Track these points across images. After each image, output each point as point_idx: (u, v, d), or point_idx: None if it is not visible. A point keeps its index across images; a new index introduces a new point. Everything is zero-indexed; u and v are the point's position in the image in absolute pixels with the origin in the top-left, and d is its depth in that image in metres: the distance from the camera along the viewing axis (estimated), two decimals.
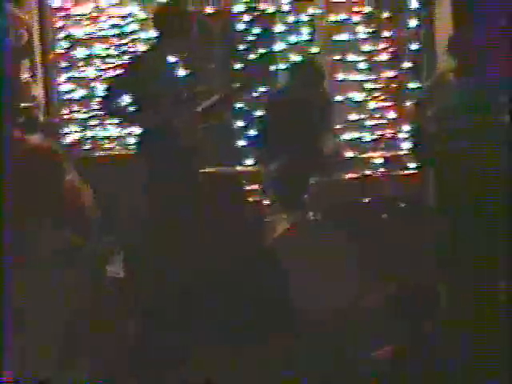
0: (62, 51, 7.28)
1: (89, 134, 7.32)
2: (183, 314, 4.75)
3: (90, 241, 3.82)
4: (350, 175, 6.13)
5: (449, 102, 5.24)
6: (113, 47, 7.29)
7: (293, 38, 7.07)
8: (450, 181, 5.25)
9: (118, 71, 6.31)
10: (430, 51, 6.96)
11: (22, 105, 6.27)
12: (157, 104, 5.43)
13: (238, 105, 7.11)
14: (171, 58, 5.54)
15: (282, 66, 7.02)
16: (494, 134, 5.08)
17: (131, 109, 5.61)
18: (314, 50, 7.08)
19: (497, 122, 5.11)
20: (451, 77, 5.35)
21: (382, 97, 7.15)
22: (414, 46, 7.04)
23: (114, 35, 7.27)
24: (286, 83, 6.67)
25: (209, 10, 7.12)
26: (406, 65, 7.07)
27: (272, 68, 7.13)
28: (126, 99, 5.74)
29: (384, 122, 7.16)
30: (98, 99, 6.74)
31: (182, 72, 5.66)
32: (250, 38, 7.19)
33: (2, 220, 3.31)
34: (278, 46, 7.10)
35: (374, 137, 7.15)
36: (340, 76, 7.12)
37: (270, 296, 4.79)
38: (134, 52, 7.01)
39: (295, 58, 6.97)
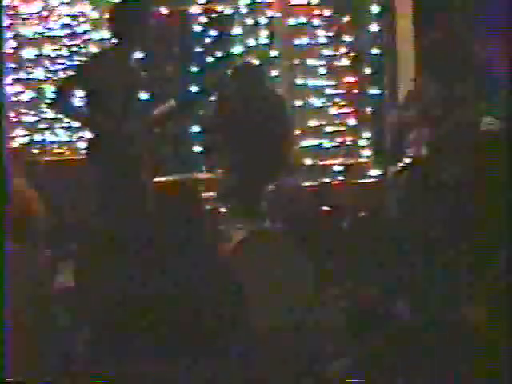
0: (10, 51, 7.19)
1: (37, 137, 7.31)
2: (131, 327, 4.50)
3: (37, 249, 3.73)
4: (308, 183, 6.18)
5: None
6: (63, 48, 7.28)
7: (251, 41, 7.10)
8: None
9: (70, 72, 6.28)
10: (391, 56, 7.07)
11: None
12: (108, 108, 5.40)
13: (194, 110, 7.07)
14: (126, 60, 5.49)
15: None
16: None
17: (84, 111, 5.58)
18: (273, 53, 7.10)
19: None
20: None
21: (343, 102, 7.20)
22: (374, 51, 7.12)
23: (64, 35, 7.25)
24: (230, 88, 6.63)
25: (164, 10, 7.17)
26: (367, 70, 7.15)
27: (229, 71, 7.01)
28: (77, 101, 5.71)
29: (344, 128, 7.20)
30: (47, 101, 6.73)
31: (136, 75, 5.60)
32: (207, 40, 7.19)
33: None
34: (236, 49, 7.11)
35: (334, 144, 7.17)
36: (299, 81, 7.14)
37: (224, 309, 4.48)
38: (86, 53, 7.01)
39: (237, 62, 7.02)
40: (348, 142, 7.17)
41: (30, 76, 7.26)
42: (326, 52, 7.16)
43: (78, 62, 6.90)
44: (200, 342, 3.87)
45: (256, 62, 6.84)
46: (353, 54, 7.16)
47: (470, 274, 4.93)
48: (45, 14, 7.23)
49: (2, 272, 3.20)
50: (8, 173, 3.66)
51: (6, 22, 7.13)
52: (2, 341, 3.13)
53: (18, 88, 7.24)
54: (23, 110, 7.26)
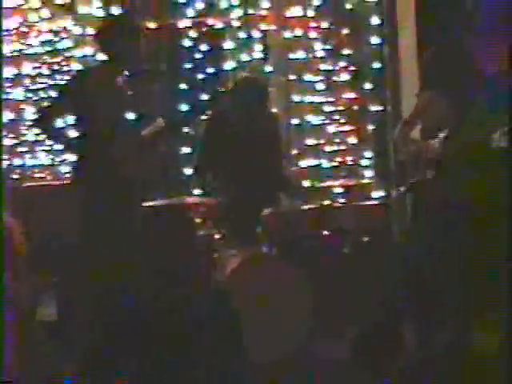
0: None
1: (16, 162, 7.26)
2: (122, 358, 4.48)
3: (18, 280, 3.75)
4: (307, 206, 6.04)
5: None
6: (44, 66, 7.23)
7: (244, 56, 7.06)
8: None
9: (54, 91, 6.28)
10: (393, 70, 6.97)
11: None
12: (95, 129, 5.35)
13: (185, 129, 7.06)
14: (114, 79, 5.47)
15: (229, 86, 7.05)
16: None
17: (67, 133, 5.55)
18: (268, 68, 7.08)
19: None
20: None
21: (342, 120, 7.16)
22: (376, 65, 7.03)
23: (45, 52, 7.22)
24: (225, 106, 6.61)
25: (152, 25, 7.14)
26: (368, 85, 7.07)
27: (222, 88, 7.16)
28: (61, 122, 5.66)
29: (344, 147, 7.15)
30: (28, 122, 6.80)
31: (124, 94, 5.58)
32: (197, 55, 7.18)
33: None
34: (228, 65, 7.08)
35: (334, 164, 7.12)
36: (295, 97, 7.10)
37: (220, 339, 4.45)
38: (69, 71, 6.99)
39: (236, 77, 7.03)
40: (349, 162, 7.12)
41: (9, 96, 7.18)
42: (324, 66, 7.14)
43: (62, 81, 6.92)
44: (195, 371, 3.87)
45: (259, 77, 6.81)
46: (352, 69, 7.13)
47: (481, 298, 4.70)
48: (24, 29, 7.22)
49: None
50: None
51: None
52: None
53: None
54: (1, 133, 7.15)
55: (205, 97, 7.15)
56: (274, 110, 6.83)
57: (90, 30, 6.14)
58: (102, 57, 5.54)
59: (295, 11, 7.03)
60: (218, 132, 6.26)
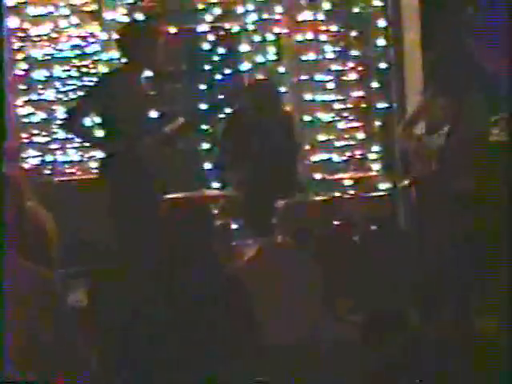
0: (21, 73, 7.26)
1: (48, 158, 7.32)
2: (148, 346, 4.55)
3: (55, 271, 3.77)
4: (319, 197, 6.23)
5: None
6: (73, 69, 7.31)
7: (259, 58, 7.14)
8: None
9: (81, 93, 6.33)
10: (398, 70, 7.14)
11: None
12: (120, 128, 5.47)
13: (204, 127, 7.19)
14: (136, 80, 5.58)
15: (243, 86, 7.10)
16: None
17: (95, 132, 5.69)
18: (281, 69, 7.16)
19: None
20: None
21: (351, 117, 7.26)
22: (382, 65, 7.19)
23: (74, 56, 7.30)
24: (241, 105, 6.71)
25: (173, 29, 7.20)
26: (375, 84, 7.24)
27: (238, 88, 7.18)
28: (89, 122, 5.86)
29: (353, 142, 7.26)
30: (59, 121, 6.75)
31: (146, 94, 5.72)
32: (215, 57, 7.29)
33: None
34: (244, 66, 7.16)
35: (344, 158, 7.22)
36: (307, 96, 7.20)
37: (237, 325, 4.56)
38: (96, 74, 7.07)
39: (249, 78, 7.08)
40: (357, 156, 7.22)
41: (41, 97, 7.29)
42: (334, 67, 7.22)
43: (88, 83, 6.98)
44: (213, 358, 3.95)
45: (270, 78, 6.88)
46: (360, 69, 7.22)
47: (483, 285, 5.06)
48: (54, 35, 7.27)
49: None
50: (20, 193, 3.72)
51: (17, 45, 7.23)
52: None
53: (30, 109, 7.27)
54: (34, 131, 7.27)
55: (222, 96, 7.21)
56: (288, 108, 6.90)
57: (116, 35, 6.09)
58: (124, 59, 5.60)
59: (306, 15, 7.16)
60: (236, 129, 6.39)
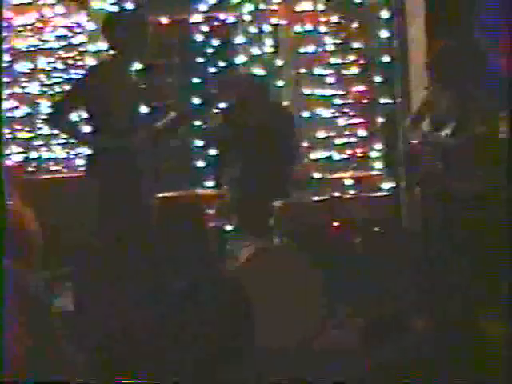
0: (3, 65, 7.11)
1: (33, 155, 7.32)
2: (136, 351, 4.51)
3: (36, 272, 3.73)
4: (318, 197, 6.13)
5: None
6: (59, 61, 7.31)
7: (255, 50, 7.12)
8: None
9: (67, 86, 6.31)
10: (402, 63, 7.08)
11: None
12: (109, 123, 5.42)
13: (197, 122, 7.12)
14: (124, 72, 5.52)
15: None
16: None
17: (82, 127, 5.65)
18: (278, 62, 7.14)
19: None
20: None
21: (352, 113, 7.22)
22: (385, 59, 7.13)
23: (60, 47, 7.30)
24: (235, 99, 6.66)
25: (164, 20, 7.20)
26: (378, 79, 7.16)
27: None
28: (75, 116, 5.81)
29: (354, 140, 7.22)
30: (43, 116, 6.74)
31: (136, 87, 5.66)
32: (209, 50, 7.25)
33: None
34: (239, 59, 7.13)
35: (344, 156, 7.20)
36: (306, 91, 7.16)
37: (233, 331, 4.77)
38: (82, 66, 7.05)
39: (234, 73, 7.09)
40: (359, 154, 7.19)
41: (25, 90, 7.29)
42: (334, 60, 7.20)
43: (75, 76, 6.97)
44: (207, 362, 3.92)
45: (256, 72, 6.89)
46: (362, 62, 7.20)
47: (486, 286, 5.10)
48: (39, 25, 7.27)
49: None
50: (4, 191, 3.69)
51: None
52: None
53: (13, 103, 7.25)
54: (18, 126, 7.26)
55: (216, 90, 7.13)
56: (286, 104, 6.92)
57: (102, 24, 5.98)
58: (111, 50, 5.52)
59: (305, 5, 7.11)
60: (231, 125, 6.35)
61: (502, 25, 6.23)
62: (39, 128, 7.21)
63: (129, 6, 6.87)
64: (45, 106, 7.02)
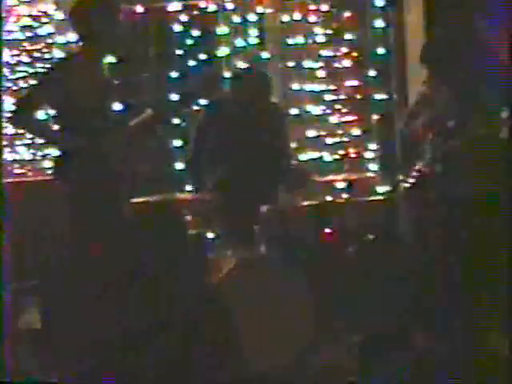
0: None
1: None
2: (110, 368, 4.63)
3: None
4: (307, 202, 6.02)
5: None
6: (24, 53, 7.27)
7: (239, 42, 7.11)
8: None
9: (33, 81, 6.26)
10: (399, 56, 7.07)
11: None
12: (78, 121, 5.26)
13: (176, 121, 7.10)
14: (95, 66, 5.37)
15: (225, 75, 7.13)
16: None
17: (50, 126, 5.48)
18: (264, 55, 7.14)
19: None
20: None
21: (345, 110, 7.22)
22: (380, 51, 7.10)
23: (24, 39, 7.27)
24: (223, 96, 6.68)
25: (139, 8, 7.20)
26: (372, 73, 7.15)
27: (214, 76, 7.18)
28: (42, 114, 5.59)
29: (347, 139, 7.22)
30: (7, 114, 6.44)
31: (108, 82, 5.49)
32: (188, 41, 7.20)
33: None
34: (222, 51, 7.12)
35: (336, 157, 7.16)
36: (294, 85, 7.16)
37: (215, 346, 4.62)
38: (50, 59, 7.06)
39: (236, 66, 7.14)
40: (352, 155, 7.17)
41: None
42: (325, 52, 7.19)
43: (41, 70, 6.93)
44: (187, 374, 3.92)
45: (262, 69, 6.82)
46: (355, 55, 7.18)
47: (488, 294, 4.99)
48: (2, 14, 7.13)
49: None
50: None
51: None
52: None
53: None
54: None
55: (197, 86, 7.19)
56: (275, 101, 6.79)
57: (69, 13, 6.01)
58: (80, 42, 5.39)
59: None
60: (214, 124, 6.24)
61: (506, 12, 6.05)
62: (2, 127, 6.85)
63: None
64: (8, 103, 6.79)
